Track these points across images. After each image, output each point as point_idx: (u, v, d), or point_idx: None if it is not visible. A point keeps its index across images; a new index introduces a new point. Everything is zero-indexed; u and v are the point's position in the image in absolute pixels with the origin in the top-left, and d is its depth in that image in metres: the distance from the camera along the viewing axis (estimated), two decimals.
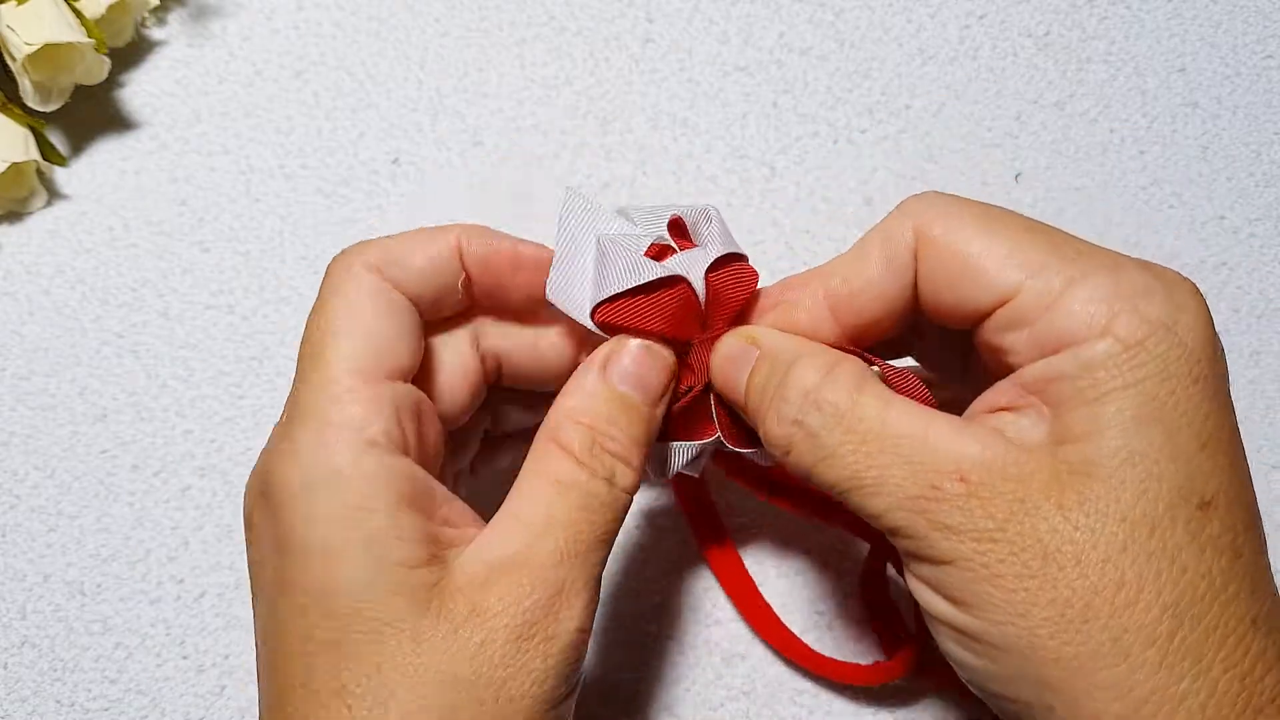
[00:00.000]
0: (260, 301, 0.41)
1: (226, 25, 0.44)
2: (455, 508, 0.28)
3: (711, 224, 0.30)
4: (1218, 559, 0.23)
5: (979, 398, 0.27)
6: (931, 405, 0.26)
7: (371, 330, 0.27)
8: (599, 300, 0.28)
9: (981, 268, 0.25)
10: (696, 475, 0.33)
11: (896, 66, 0.44)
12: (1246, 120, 0.44)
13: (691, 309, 0.29)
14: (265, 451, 0.27)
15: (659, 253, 0.30)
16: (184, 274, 0.41)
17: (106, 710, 0.37)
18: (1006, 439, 0.24)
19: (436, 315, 0.29)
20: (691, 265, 0.29)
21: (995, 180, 0.43)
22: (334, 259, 0.29)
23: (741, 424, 0.30)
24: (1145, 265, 0.25)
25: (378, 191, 0.42)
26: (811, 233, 0.42)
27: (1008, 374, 0.26)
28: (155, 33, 0.44)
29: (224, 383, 0.40)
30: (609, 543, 0.27)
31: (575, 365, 0.30)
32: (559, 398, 0.28)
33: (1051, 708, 0.23)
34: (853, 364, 0.27)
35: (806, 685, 0.37)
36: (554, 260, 0.29)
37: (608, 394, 0.28)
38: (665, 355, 0.29)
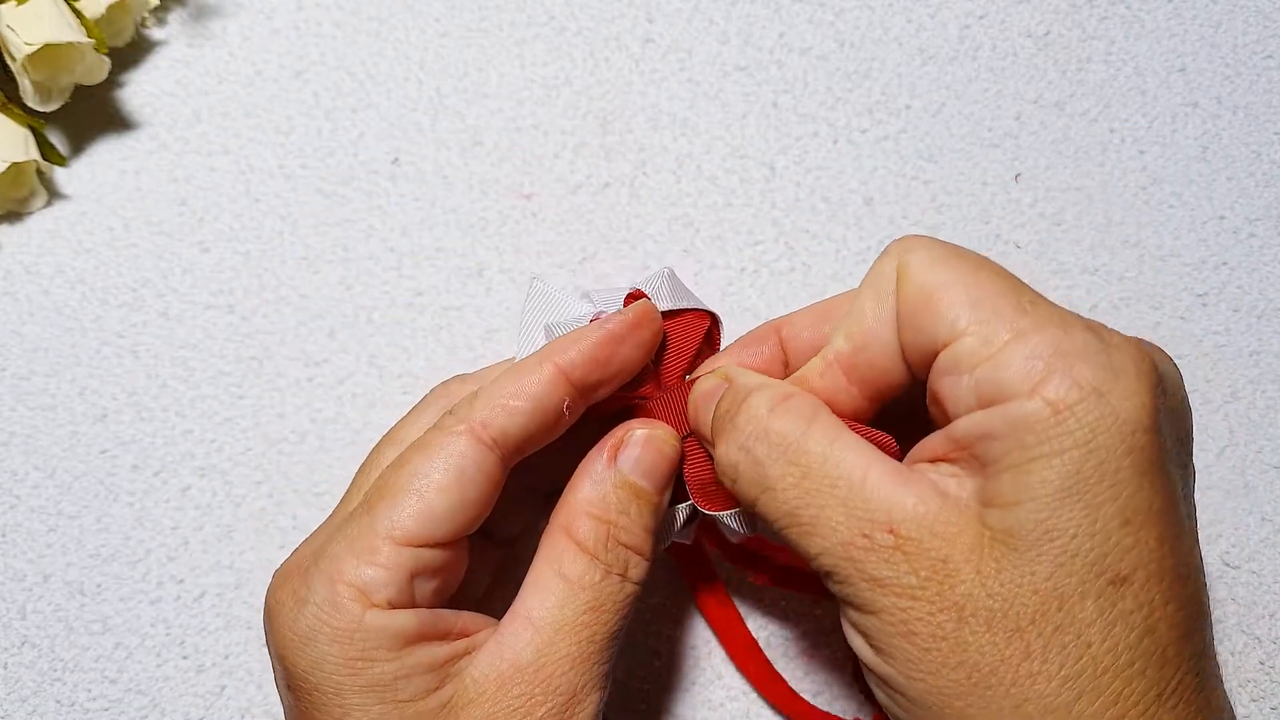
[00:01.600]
0: (260, 301, 0.41)
1: (226, 25, 0.44)
2: (465, 617, 0.28)
3: (663, 283, 0.31)
4: (1126, 634, 0.23)
5: (918, 444, 0.26)
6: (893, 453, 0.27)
7: (434, 503, 0.27)
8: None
9: (937, 301, 0.25)
10: (688, 542, 0.33)
11: (896, 66, 0.44)
12: (1246, 120, 0.44)
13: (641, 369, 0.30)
14: (287, 572, 0.28)
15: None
16: (184, 274, 0.41)
17: (106, 710, 0.37)
18: (940, 493, 0.24)
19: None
20: None
21: (995, 180, 0.43)
22: (435, 392, 0.31)
23: (713, 487, 0.30)
24: (1093, 327, 0.25)
25: (378, 191, 0.42)
26: (811, 233, 0.42)
27: (945, 425, 0.26)
28: (155, 33, 0.44)
29: (224, 383, 0.40)
30: (620, 636, 0.28)
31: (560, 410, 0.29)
32: (569, 488, 0.29)
33: None
34: (808, 398, 0.27)
35: (807, 685, 0.37)
36: (516, 354, 0.30)
37: (617, 481, 0.28)
38: (670, 439, 0.29)
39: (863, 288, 0.28)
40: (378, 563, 0.26)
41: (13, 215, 0.42)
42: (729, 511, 0.29)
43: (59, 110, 0.41)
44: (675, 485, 0.30)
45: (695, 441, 0.30)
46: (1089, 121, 0.44)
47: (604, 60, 0.44)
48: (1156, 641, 0.23)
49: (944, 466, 0.25)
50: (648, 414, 0.30)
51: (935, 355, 0.25)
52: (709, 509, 0.30)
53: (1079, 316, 0.25)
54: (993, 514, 0.24)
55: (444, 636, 0.27)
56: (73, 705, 0.37)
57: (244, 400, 0.40)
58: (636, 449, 0.29)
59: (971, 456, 0.24)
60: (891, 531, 0.24)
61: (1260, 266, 0.42)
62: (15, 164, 0.39)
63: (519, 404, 0.27)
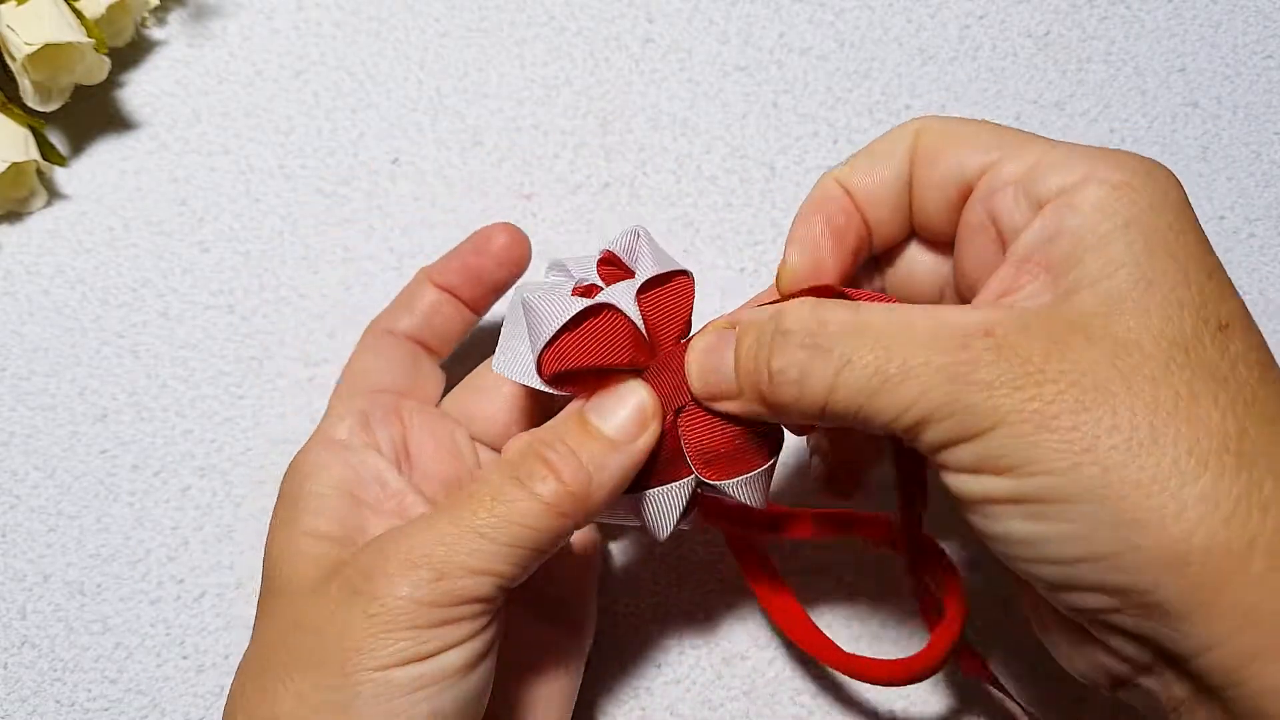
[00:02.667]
0: (260, 301, 0.41)
1: (226, 25, 0.44)
2: (409, 500, 0.30)
3: (640, 242, 0.29)
4: (1249, 373, 0.23)
5: (977, 296, 0.26)
6: None
7: (359, 368, 0.34)
8: (538, 354, 0.28)
9: (964, 140, 0.27)
10: (688, 529, 0.32)
11: (896, 66, 0.44)
12: (1246, 120, 0.44)
13: (630, 335, 0.28)
14: None
15: (585, 292, 0.29)
16: (184, 274, 0.41)
17: (106, 710, 0.37)
18: (1021, 306, 0.24)
19: (450, 337, 0.35)
20: (621, 294, 0.28)
21: None
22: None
23: (716, 455, 0.29)
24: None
25: (378, 191, 0.42)
26: None
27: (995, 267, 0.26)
28: (155, 33, 0.44)
29: (224, 383, 0.40)
30: (517, 556, 0.26)
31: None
32: None
33: (1138, 547, 0.22)
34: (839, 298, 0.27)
35: (807, 685, 0.37)
36: (500, 340, 0.29)
37: (567, 415, 0.28)
38: (638, 390, 0.28)
39: (861, 153, 0.29)
40: (337, 415, 0.32)
41: (13, 215, 0.42)
42: (735, 480, 0.28)
43: (59, 110, 0.41)
44: (653, 469, 0.28)
45: (695, 411, 0.28)
46: (1089, 121, 0.44)
47: (604, 60, 0.44)
48: (1270, 380, 0.23)
49: (1007, 299, 0.25)
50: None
51: (963, 191, 0.27)
52: (713, 478, 0.28)
53: None
54: (1085, 294, 0.24)
55: (379, 508, 0.30)
56: (73, 705, 0.37)
57: (244, 400, 0.40)
58: (600, 396, 0.28)
59: (1042, 268, 0.25)
60: (988, 334, 0.23)
61: (1260, 266, 0.42)
62: (15, 164, 0.39)
63: (407, 316, 0.35)
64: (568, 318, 0.27)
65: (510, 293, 0.32)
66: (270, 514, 0.38)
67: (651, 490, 0.28)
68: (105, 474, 0.39)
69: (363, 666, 0.25)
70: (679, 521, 0.29)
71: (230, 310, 0.41)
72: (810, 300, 0.26)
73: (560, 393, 0.28)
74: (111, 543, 0.38)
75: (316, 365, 0.40)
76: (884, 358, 0.24)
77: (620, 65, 0.44)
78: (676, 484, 0.29)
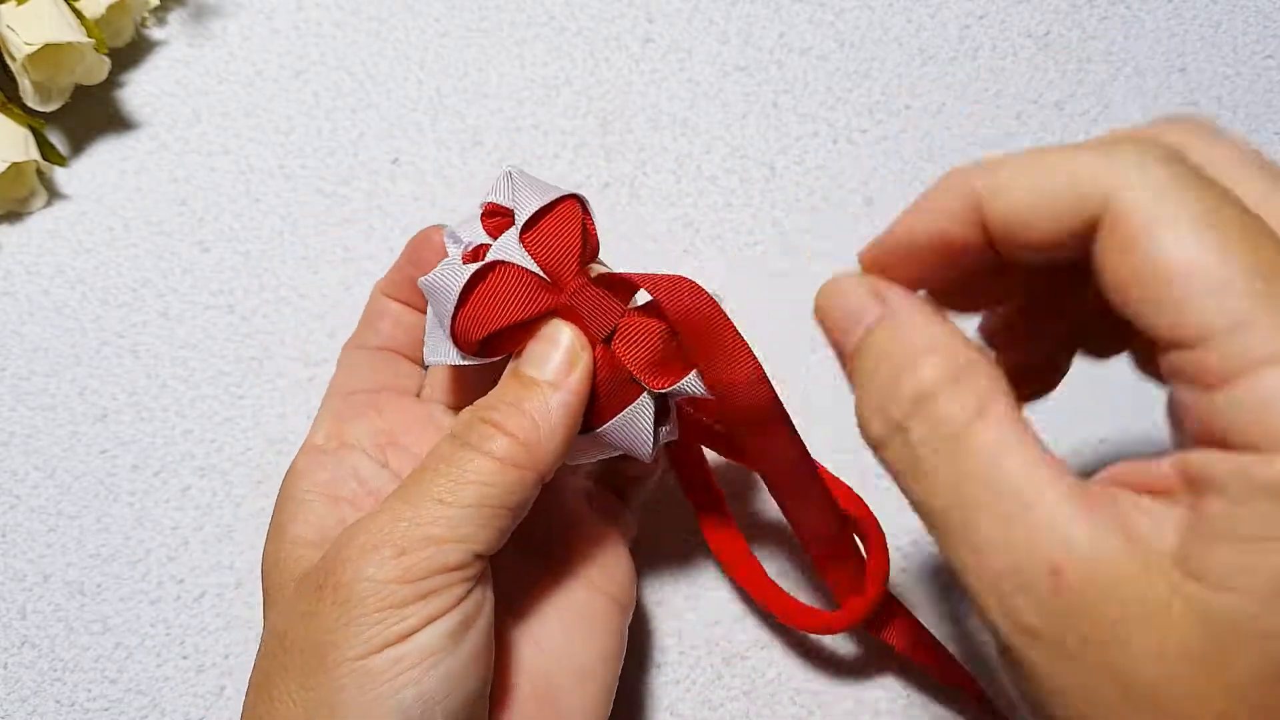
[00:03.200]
0: (260, 301, 0.41)
1: (226, 25, 0.44)
2: (389, 491, 0.29)
3: (514, 183, 0.29)
4: None
5: (1128, 464, 0.20)
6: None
7: (336, 383, 0.34)
8: (448, 332, 0.28)
9: (1172, 281, 0.18)
10: (675, 438, 0.31)
11: (896, 66, 0.44)
12: (1246, 120, 0.44)
13: (528, 283, 0.27)
14: None
15: (475, 254, 0.29)
16: (184, 274, 0.41)
17: (106, 710, 0.37)
18: (1129, 533, 0.19)
19: (419, 343, 0.33)
20: (507, 245, 0.28)
21: None
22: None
23: (656, 362, 0.28)
24: None
25: (378, 191, 0.42)
26: (811, 233, 0.42)
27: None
28: (155, 33, 0.44)
29: (224, 383, 0.40)
30: (481, 516, 0.26)
31: None
32: None
33: None
34: (983, 375, 0.21)
35: (806, 685, 0.37)
36: (425, 331, 0.29)
37: (504, 376, 0.28)
38: (558, 329, 0.28)
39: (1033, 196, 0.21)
40: (318, 420, 0.33)
41: (13, 215, 0.42)
42: (686, 379, 0.28)
43: (59, 110, 0.41)
44: (604, 403, 0.28)
45: (623, 331, 0.28)
46: (1089, 121, 0.44)
47: (604, 60, 0.44)
48: None
49: (1145, 503, 0.19)
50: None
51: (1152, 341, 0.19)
52: (665, 385, 0.28)
53: None
54: (1199, 570, 0.18)
55: (359, 504, 0.30)
56: (73, 705, 0.37)
57: (244, 400, 0.40)
58: (527, 347, 0.28)
59: (1190, 490, 0.18)
60: (1054, 573, 0.19)
61: None
62: (15, 164, 0.39)
63: (373, 334, 0.34)
64: (459, 289, 0.27)
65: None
66: (269, 514, 0.38)
67: (611, 423, 0.28)
68: (105, 474, 0.39)
69: (341, 658, 0.24)
70: (657, 440, 0.29)
71: (230, 310, 0.41)
72: (945, 366, 0.21)
73: (492, 360, 0.28)
74: (111, 543, 0.38)
75: (316, 365, 0.40)
76: (954, 503, 0.20)
77: (620, 65, 0.44)
78: (632, 407, 0.28)
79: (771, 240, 0.42)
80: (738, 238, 0.42)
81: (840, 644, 0.37)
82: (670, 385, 0.28)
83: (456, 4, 0.45)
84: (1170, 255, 0.18)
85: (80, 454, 0.39)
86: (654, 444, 0.29)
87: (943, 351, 0.21)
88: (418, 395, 0.34)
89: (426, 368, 0.34)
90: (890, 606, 0.34)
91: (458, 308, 0.27)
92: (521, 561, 0.31)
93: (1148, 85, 0.45)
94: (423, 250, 0.32)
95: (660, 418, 0.29)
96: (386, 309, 0.34)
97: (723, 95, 0.44)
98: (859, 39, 0.45)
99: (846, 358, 0.23)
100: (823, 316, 0.24)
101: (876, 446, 0.22)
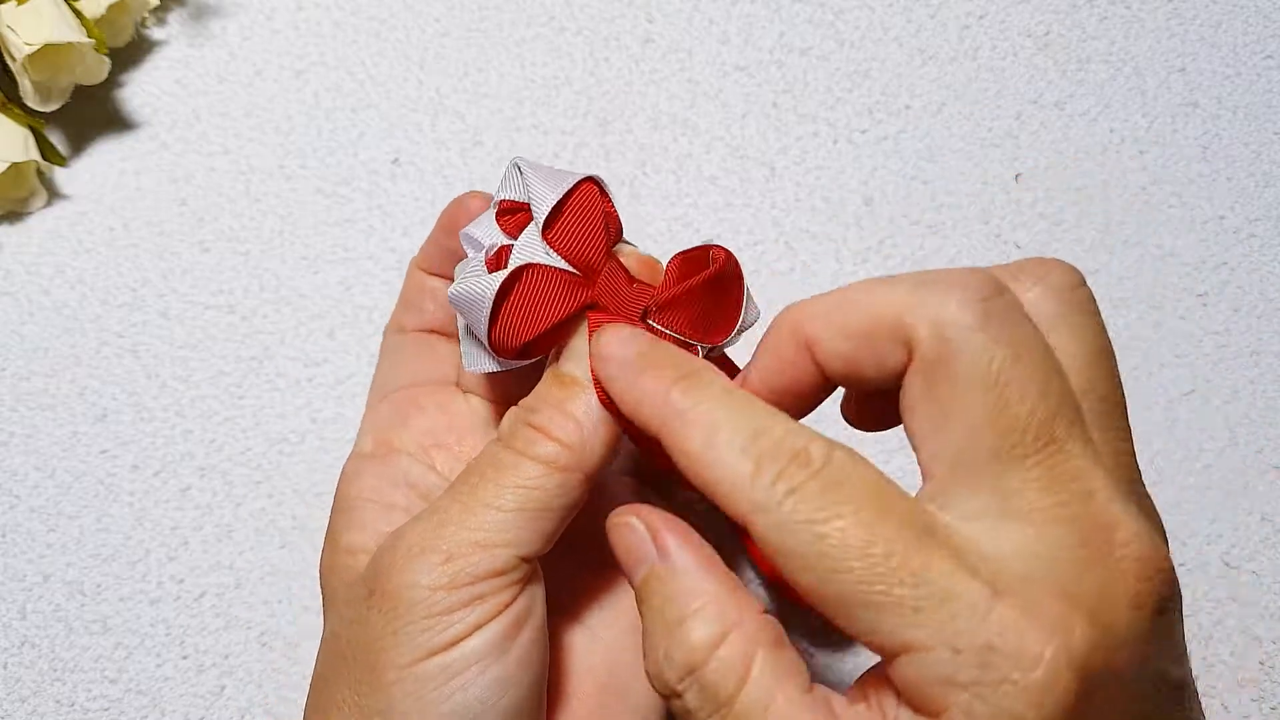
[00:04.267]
0: (260, 301, 0.41)
1: (226, 25, 0.44)
2: (439, 493, 0.28)
3: (524, 176, 0.28)
4: None
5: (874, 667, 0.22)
6: None
7: (379, 377, 0.33)
8: (486, 344, 0.27)
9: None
10: None
11: (896, 66, 0.44)
12: (1246, 120, 0.44)
13: (559, 281, 0.27)
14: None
15: (497, 257, 0.28)
16: (184, 274, 0.41)
17: (106, 710, 0.37)
18: None
19: None
20: (530, 245, 0.27)
21: (995, 180, 0.43)
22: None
23: (705, 316, 0.27)
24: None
25: (378, 191, 0.42)
26: (811, 233, 0.42)
27: None
28: (155, 33, 0.44)
29: (224, 383, 0.40)
30: (526, 520, 0.25)
31: None
32: None
33: None
34: (753, 629, 0.22)
35: None
36: (460, 338, 0.29)
37: (545, 376, 0.27)
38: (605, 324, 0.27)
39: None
40: (365, 428, 0.32)
41: (13, 215, 0.42)
42: (744, 320, 0.27)
43: (59, 110, 0.41)
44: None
45: (664, 292, 0.27)
46: (1089, 121, 0.44)
47: (604, 60, 0.44)
48: None
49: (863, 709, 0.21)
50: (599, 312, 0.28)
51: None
52: (720, 339, 0.27)
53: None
54: None
55: (400, 509, 0.29)
56: (73, 705, 0.37)
57: (244, 400, 0.40)
58: (566, 346, 0.27)
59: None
60: None
61: (1260, 266, 0.42)
62: (15, 164, 0.39)
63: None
64: (490, 303, 0.26)
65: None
66: (269, 514, 0.38)
67: None
68: (105, 474, 0.39)
69: (391, 665, 0.24)
70: None
71: (230, 310, 0.41)
72: (714, 624, 0.22)
73: (530, 361, 0.28)
74: (111, 543, 0.38)
75: (316, 365, 0.40)
76: None
77: (620, 65, 0.44)
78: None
79: (771, 240, 0.42)
80: (738, 238, 0.42)
81: (840, 644, 0.37)
82: (725, 339, 0.27)
83: (456, 4, 0.45)
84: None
85: (80, 454, 0.39)
86: None
87: (709, 608, 0.22)
88: (458, 383, 0.33)
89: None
90: None
91: (492, 319, 0.27)
92: (575, 559, 0.31)
93: (1148, 85, 0.45)
94: (458, 219, 0.31)
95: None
96: (424, 285, 0.33)
97: (723, 95, 0.44)
98: (859, 39, 0.45)
99: (635, 591, 0.24)
100: (612, 543, 0.25)
101: (666, 697, 0.23)
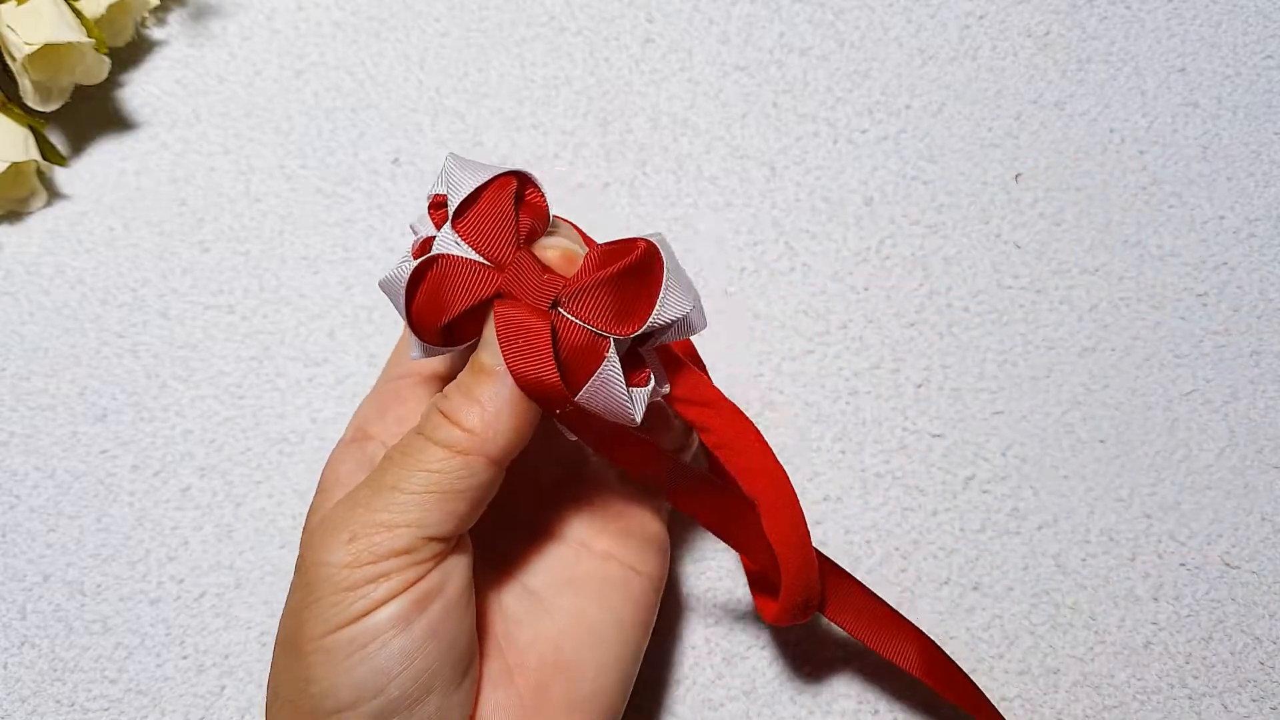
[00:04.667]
0: (260, 301, 0.41)
1: (226, 25, 0.44)
2: None
3: (451, 169, 0.29)
4: None
5: None
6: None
7: (388, 362, 0.34)
8: (407, 320, 0.28)
9: None
10: (666, 391, 0.30)
11: (896, 66, 0.44)
12: (1246, 120, 0.44)
13: (468, 270, 0.27)
14: None
15: (423, 246, 0.29)
16: (184, 274, 0.41)
17: (106, 710, 0.37)
18: None
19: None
20: (445, 236, 0.28)
21: (995, 180, 0.43)
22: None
23: (616, 309, 0.27)
24: None
25: (378, 191, 0.42)
26: (811, 233, 0.42)
27: None
28: (155, 33, 0.44)
29: (224, 383, 0.40)
30: (430, 502, 0.26)
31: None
32: None
33: None
34: None
35: (807, 685, 0.37)
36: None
37: (467, 365, 0.28)
38: (509, 308, 0.27)
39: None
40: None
41: (13, 215, 0.42)
42: (654, 316, 0.27)
43: (59, 110, 0.41)
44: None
45: (575, 282, 0.27)
46: (1089, 121, 0.44)
47: (604, 60, 0.44)
48: None
49: None
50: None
51: None
52: (632, 330, 0.27)
53: None
54: None
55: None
56: (73, 705, 0.37)
57: (244, 400, 0.40)
58: (483, 333, 0.28)
59: None
60: None
61: (1260, 266, 0.42)
62: (15, 164, 0.39)
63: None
64: (403, 287, 0.27)
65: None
66: (269, 514, 0.38)
67: (583, 391, 0.27)
68: (105, 474, 0.39)
69: (308, 637, 0.26)
70: (637, 400, 0.28)
71: (230, 310, 0.41)
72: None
73: (458, 349, 0.28)
74: (111, 543, 0.38)
75: (317, 365, 0.40)
76: None
77: (620, 65, 0.44)
78: (599, 370, 0.27)
79: (771, 240, 0.42)
80: (738, 238, 0.42)
81: (841, 644, 0.37)
82: (639, 327, 0.27)
83: (456, 4, 0.45)
84: None
85: (80, 454, 0.39)
86: (636, 404, 0.28)
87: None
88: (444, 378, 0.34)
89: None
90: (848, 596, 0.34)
91: (407, 305, 0.28)
92: (536, 536, 0.32)
93: (1148, 85, 0.45)
94: None
95: (636, 376, 0.28)
96: None
97: (723, 95, 0.44)
98: (859, 39, 0.45)
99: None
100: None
101: None
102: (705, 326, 0.30)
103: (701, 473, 0.32)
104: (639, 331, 0.27)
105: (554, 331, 0.27)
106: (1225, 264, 0.42)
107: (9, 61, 0.39)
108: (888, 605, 0.34)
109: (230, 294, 0.41)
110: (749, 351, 0.40)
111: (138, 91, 0.43)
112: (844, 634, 0.38)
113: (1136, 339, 0.41)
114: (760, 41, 0.45)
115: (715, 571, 0.38)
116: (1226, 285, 0.42)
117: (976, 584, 0.38)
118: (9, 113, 0.40)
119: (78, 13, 0.40)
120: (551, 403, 0.28)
